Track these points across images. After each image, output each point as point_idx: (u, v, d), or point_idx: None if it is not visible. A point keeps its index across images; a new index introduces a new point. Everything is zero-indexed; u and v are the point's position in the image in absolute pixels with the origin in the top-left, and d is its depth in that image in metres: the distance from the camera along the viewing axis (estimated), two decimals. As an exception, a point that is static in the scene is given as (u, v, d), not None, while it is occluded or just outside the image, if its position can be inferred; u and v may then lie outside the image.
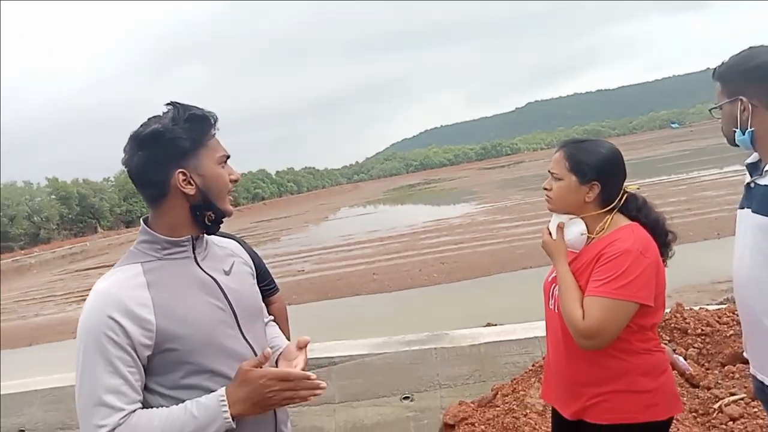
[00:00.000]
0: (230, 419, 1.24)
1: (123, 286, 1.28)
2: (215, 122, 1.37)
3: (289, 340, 2.65)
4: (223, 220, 1.41)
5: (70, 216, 66.77)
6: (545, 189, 1.81)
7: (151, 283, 1.30)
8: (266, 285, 2.51)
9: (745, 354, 1.84)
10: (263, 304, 1.59)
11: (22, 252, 50.34)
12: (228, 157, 1.40)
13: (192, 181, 1.33)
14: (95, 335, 1.23)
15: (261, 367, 1.28)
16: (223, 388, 1.28)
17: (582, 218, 1.77)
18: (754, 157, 1.71)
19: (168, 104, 1.35)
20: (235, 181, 1.41)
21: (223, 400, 1.25)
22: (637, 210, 1.76)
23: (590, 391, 1.70)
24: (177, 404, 1.28)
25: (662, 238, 1.74)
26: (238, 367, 1.28)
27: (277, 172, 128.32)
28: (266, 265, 2.59)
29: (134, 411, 1.24)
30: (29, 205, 61.87)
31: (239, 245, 1.63)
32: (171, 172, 1.31)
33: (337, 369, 3.73)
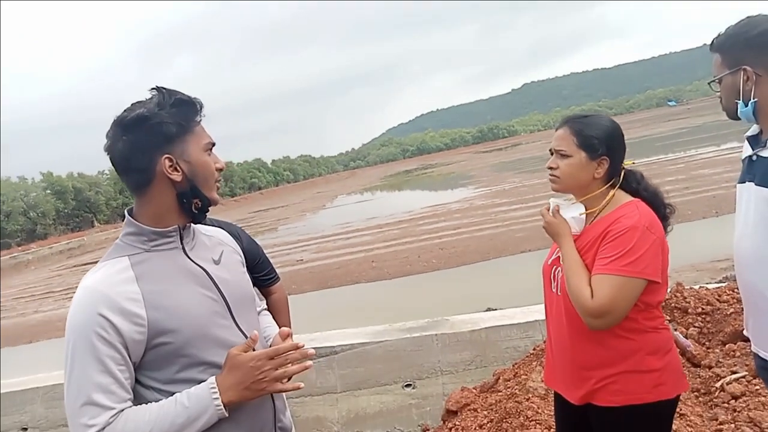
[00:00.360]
0: (222, 407, 1.23)
1: (111, 281, 1.24)
2: (201, 108, 1.34)
3: (290, 324, 2.64)
4: (210, 208, 1.39)
5: (66, 211, 66.61)
6: (551, 168, 1.75)
7: (140, 276, 1.27)
8: (266, 274, 2.49)
9: (745, 332, 1.83)
10: (254, 292, 1.57)
11: (19, 248, 50.28)
12: (213, 144, 1.36)
13: (179, 168, 1.29)
14: (85, 333, 1.20)
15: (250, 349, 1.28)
16: (214, 377, 1.26)
17: (587, 197, 1.74)
18: (754, 129, 1.69)
19: (153, 89, 1.30)
20: (221, 169, 1.37)
21: (213, 388, 1.23)
22: (637, 183, 1.75)
23: (598, 373, 1.68)
24: None
25: (661, 211, 1.72)
26: (227, 354, 1.27)
27: (273, 160, 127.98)
28: (266, 255, 2.56)
29: (123, 410, 1.22)
30: (24, 201, 61.70)
31: (227, 234, 1.60)
32: (156, 158, 1.27)
33: (338, 358, 3.72)
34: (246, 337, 1.37)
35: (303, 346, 1.29)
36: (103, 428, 1.18)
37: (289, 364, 1.29)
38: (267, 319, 1.69)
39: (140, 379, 1.28)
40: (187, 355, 1.27)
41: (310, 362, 1.29)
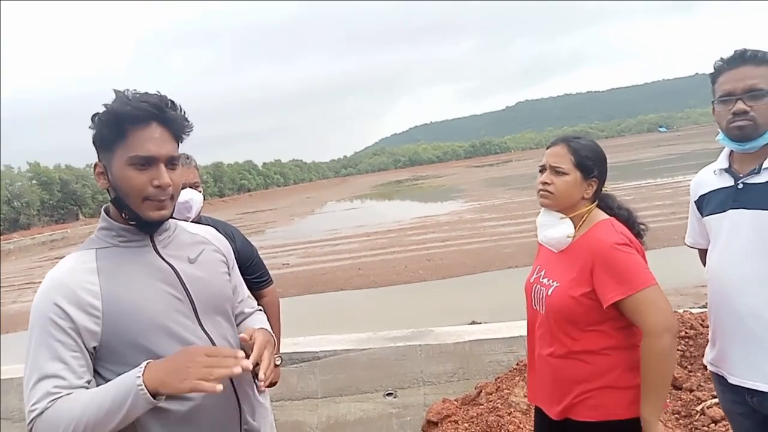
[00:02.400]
0: (144, 387, 1.15)
1: (73, 271, 1.27)
2: (149, 118, 1.26)
3: (279, 334, 2.62)
4: (148, 224, 1.33)
5: (51, 202, 65.78)
6: (545, 183, 1.76)
7: (102, 269, 1.29)
8: (258, 277, 2.47)
9: (712, 363, 1.84)
10: (231, 294, 1.52)
11: (2, 237, 49.53)
12: (147, 158, 1.26)
13: (106, 176, 1.31)
14: (42, 320, 1.23)
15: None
16: (147, 361, 1.21)
17: (572, 215, 1.77)
18: (722, 162, 1.78)
19: (116, 91, 1.30)
20: (159, 187, 1.28)
21: (140, 368, 1.18)
22: (611, 202, 1.81)
23: (577, 388, 1.70)
24: None
25: (635, 228, 1.77)
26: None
27: (264, 163, 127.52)
28: (260, 257, 2.54)
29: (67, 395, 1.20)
30: (9, 190, 60.85)
31: (216, 233, 1.59)
32: (98, 162, 1.32)
33: (321, 363, 3.70)
34: (209, 336, 1.36)
35: (242, 357, 1.22)
36: (42, 412, 1.18)
37: (221, 369, 1.19)
38: (255, 318, 1.65)
39: (99, 370, 1.28)
40: (143, 350, 1.27)
41: (239, 369, 1.20)
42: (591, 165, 1.73)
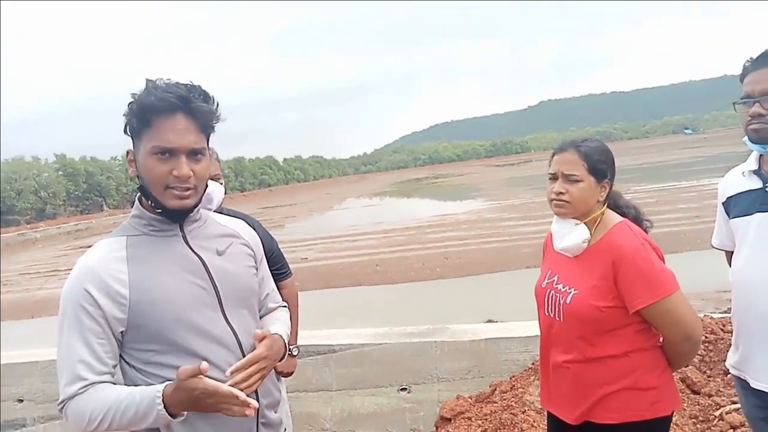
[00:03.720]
0: (165, 413, 1.22)
1: (104, 259, 1.30)
2: (173, 108, 1.27)
3: (297, 324, 2.66)
4: (172, 212, 1.34)
5: (76, 193, 67.05)
6: (560, 193, 1.70)
7: (131, 257, 1.31)
8: (278, 269, 2.50)
9: (731, 365, 1.82)
10: (258, 287, 1.53)
11: (28, 226, 50.67)
12: (167, 150, 1.28)
13: (134, 164, 1.34)
14: (72, 306, 1.27)
15: (198, 377, 1.21)
16: (163, 385, 1.24)
17: (586, 219, 1.73)
18: (752, 164, 1.75)
19: (147, 80, 1.30)
20: (178, 177, 1.28)
21: (158, 397, 1.22)
22: (619, 201, 1.80)
23: (598, 391, 1.68)
24: (153, 379, 1.29)
25: (642, 226, 1.77)
26: (178, 371, 1.22)
27: (285, 159, 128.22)
28: (280, 249, 2.57)
29: (98, 383, 1.26)
30: (36, 181, 62.16)
31: (246, 226, 1.59)
32: (131, 148, 1.35)
33: (336, 357, 3.72)
34: (233, 330, 1.37)
35: (242, 398, 1.23)
36: (73, 397, 1.24)
37: (232, 407, 1.23)
38: (277, 314, 1.64)
39: (123, 355, 1.33)
40: (165, 339, 1.29)
41: (250, 411, 1.24)
42: (603, 168, 1.71)
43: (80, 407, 1.24)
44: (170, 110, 1.27)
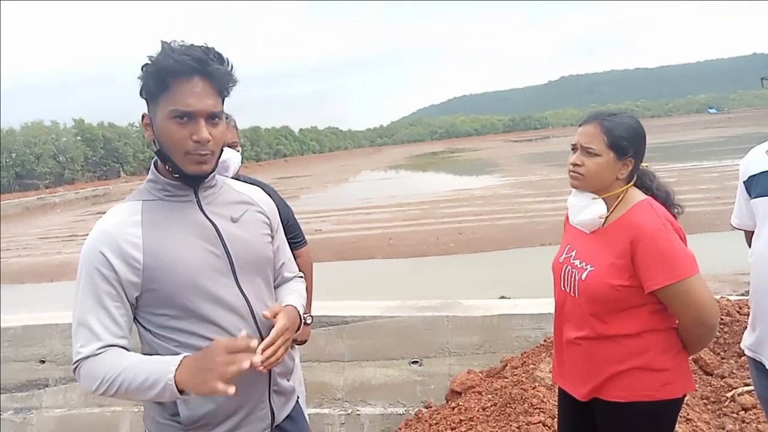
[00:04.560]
0: (173, 382, 1.19)
1: (119, 223, 1.31)
2: (191, 70, 1.25)
3: (311, 294, 2.69)
4: (190, 177, 1.33)
5: (94, 158, 67.84)
6: (575, 165, 1.69)
7: (146, 222, 1.31)
8: (293, 238, 2.51)
9: (747, 346, 1.81)
10: (273, 256, 1.52)
11: (47, 191, 51.49)
12: (185, 113, 1.26)
13: (151, 129, 1.32)
14: (88, 268, 1.28)
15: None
16: (182, 356, 1.24)
17: (605, 195, 1.70)
18: None
19: (163, 42, 1.27)
20: (197, 142, 1.27)
21: (175, 363, 1.22)
22: (650, 182, 1.73)
23: (608, 369, 1.67)
24: (168, 343, 1.31)
25: (671, 210, 1.70)
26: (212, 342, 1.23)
27: (301, 129, 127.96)
28: (296, 219, 2.58)
29: (114, 346, 1.27)
30: (55, 145, 62.88)
31: (263, 193, 1.57)
32: (145, 113, 1.33)
33: (348, 328, 3.76)
34: (245, 297, 1.37)
35: (255, 347, 1.23)
36: (88, 357, 1.25)
37: (238, 364, 1.20)
38: (291, 286, 1.61)
39: (139, 319, 1.34)
40: (178, 305, 1.30)
41: (248, 364, 1.19)
42: (626, 145, 1.64)
43: (94, 368, 1.24)
44: (189, 73, 1.25)
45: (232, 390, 1.17)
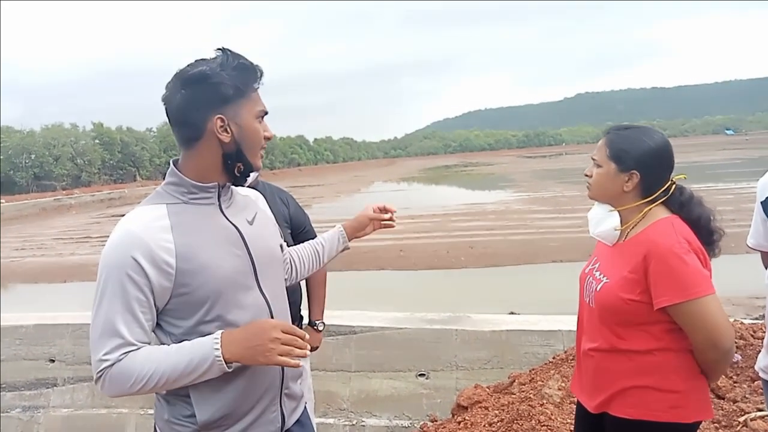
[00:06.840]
0: (221, 359, 1.23)
1: (148, 227, 1.28)
2: (261, 76, 1.37)
3: (324, 300, 2.71)
4: (251, 174, 1.42)
5: (111, 162, 68.76)
6: (586, 176, 1.76)
7: (175, 226, 1.30)
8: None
9: (761, 368, 1.78)
10: (282, 254, 1.59)
11: (64, 192, 52.20)
12: (266, 113, 1.40)
13: (229, 129, 1.32)
14: (117, 273, 1.25)
15: None
16: (220, 332, 1.27)
17: (622, 209, 1.70)
18: None
19: (218, 49, 1.33)
20: (269, 138, 1.40)
21: (216, 340, 1.25)
22: (680, 205, 1.68)
23: (617, 383, 1.66)
24: None
25: (704, 237, 1.65)
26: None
27: (315, 139, 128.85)
28: (312, 226, 2.59)
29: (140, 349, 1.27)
30: (74, 147, 63.81)
31: (258, 194, 1.62)
32: (210, 116, 1.30)
33: (357, 338, 3.76)
34: (266, 298, 1.40)
35: (307, 339, 1.29)
36: (113, 364, 1.23)
37: (299, 350, 1.27)
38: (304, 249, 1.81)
39: (161, 324, 1.32)
40: (207, 309, 1.30)
41: (297, 361, 1.26)
42: (626, 157, 1.64)
43: (124, 370, 1.23)
44: (259, 78, 1.37)
45: (301, 364, 1.27)
